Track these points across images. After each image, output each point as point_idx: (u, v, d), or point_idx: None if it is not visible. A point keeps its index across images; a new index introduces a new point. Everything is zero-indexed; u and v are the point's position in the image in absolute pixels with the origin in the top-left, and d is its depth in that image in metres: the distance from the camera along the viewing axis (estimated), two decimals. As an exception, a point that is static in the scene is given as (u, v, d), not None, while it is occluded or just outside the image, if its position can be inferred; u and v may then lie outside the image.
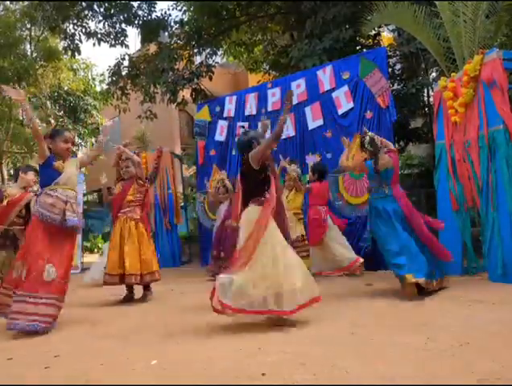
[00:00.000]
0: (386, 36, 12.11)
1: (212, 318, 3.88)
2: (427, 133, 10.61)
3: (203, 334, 3.31)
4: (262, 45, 13.65)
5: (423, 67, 9.85)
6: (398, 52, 10.20)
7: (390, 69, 10.29)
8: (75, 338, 3.47)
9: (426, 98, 11.01)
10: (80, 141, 17.12)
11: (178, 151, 18.88)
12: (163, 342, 3.17)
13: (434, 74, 10.07)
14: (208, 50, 11.59)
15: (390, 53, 10.37)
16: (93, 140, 18.05)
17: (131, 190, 4.99)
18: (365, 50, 10.25)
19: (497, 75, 4.76)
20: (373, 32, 10.45)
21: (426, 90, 10.69)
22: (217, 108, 8.80)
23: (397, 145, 9.95)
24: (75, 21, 11.56)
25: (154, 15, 11.68)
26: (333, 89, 7.14)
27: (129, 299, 5.00)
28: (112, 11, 11.20)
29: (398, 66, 10.95)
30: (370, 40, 10.73)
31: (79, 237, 9.27)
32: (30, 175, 4.93)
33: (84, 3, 11.34)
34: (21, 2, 14.45)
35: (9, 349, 3.18)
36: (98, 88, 16.90)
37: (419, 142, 11.06)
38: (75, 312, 4.60)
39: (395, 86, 10.56)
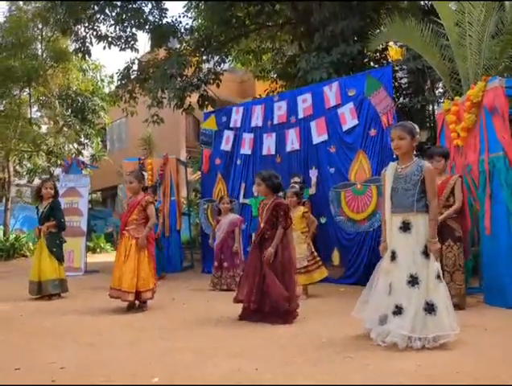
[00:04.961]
0: (395, 48, 12.17)
1: (213, 334, 4.00)
2: (430, 148, 10.66)
3: (204, 351, 3.41)
4: (271, 53, 13.82)
5: (429, 84, 9.94)
6: (404, 67, 10.31)
7: (396, 83, 10.42)
8: (80, 349, 3.56)
9: (431, 112, 11.08)
10: (86, 141, 17.30)
11: (183, 154, 19.05)
12: (163, 356, 3.28)
13: (440, 90, 10.15)
14: (216, 57, 11.70)
15: (397, 67, 10.48)
16: (99, 140, 18.25)
17: (136, 211, 5.12)
18: (372, 63, 10.36)
19: (498, 102, 4.86)
20: (381, 46, 10.55)
21: (431, 105, 10.77)
22: (224, 118, 8.91)
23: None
24: (86, 24, 11.70)
25: (164, 21, 11.81)
26: (339, 105, 7.24)
27: (132, 307, 5.11)
28: (124, 16, 11.32)
29: (405, 80, 11.03)
30: (378, 54, 10.82)
31: (83, 239, 9.40)
32: None
33: (96, 7, 11.48)
34: (33, 3, 14.64)
35: (16, 358, 3.30)
36: (106, 90, 17.06)
37: (423, 157, 11.10)
38: (80, 319, 4.72)
39: (401, 100, 10.65)
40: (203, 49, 11.74)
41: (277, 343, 3.62)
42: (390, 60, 10.91)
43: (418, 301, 3.32)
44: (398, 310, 3.36)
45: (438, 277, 3.38)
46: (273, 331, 4.05)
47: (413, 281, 3.35)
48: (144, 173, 5.55)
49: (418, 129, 3.60)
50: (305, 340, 3.69)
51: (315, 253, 5.89)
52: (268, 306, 4.33)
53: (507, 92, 4.97)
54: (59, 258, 6.11)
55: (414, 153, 3.66)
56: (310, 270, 5.73)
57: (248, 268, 4.60)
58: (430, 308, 3.29)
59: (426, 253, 3.38)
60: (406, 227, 3.44)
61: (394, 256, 3.48)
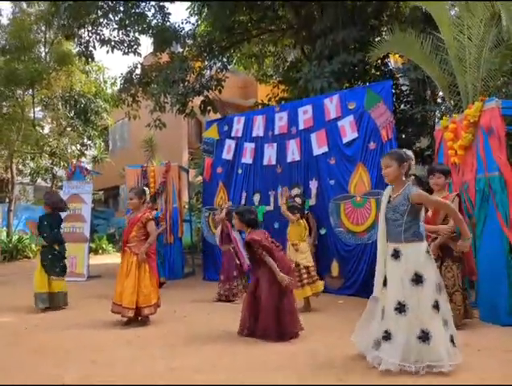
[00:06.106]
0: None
1: (212, 351, 4.09)
2: (430, 155, 10.71)
3: (203, 369, 3.53)
4: (273, 58, 13.90)
5: (430, 93, 10.00)
6: (406, 75, 10.35)
7: (397, 90, 10.49)
8: (83, 366, 3.67)
9: (432, 118, 11.11)
10: (89, 142, 17.42)
11: (185, 156, 19.15)
12: (163, 375, 3.41)
13: (439, 100, 10.20)
14: (218, 64, 11.78)
15: (398, 75, 10.53)
16: (101, 141, 18.36)
17: (136, 227, 5.25)
18: (373, 70, 10.42)
19: (495, 123, 4.95)
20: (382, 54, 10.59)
21: (433, 112, 10.80)
22: (226, 127, 9.00)
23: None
24: (90, 28, 11.78)
25: (167, 25, 11.86)
26: (339, 118, 7.33)
27: (132, 321, 5.21)
28: (127, 22, 11.40)
29: (405, 87, 11.07)
30: (379, 61, 10.86)
31: (86, 245, 9.52)
32: None
33: (99, 11, 11.56)
34: (36, 5, 14.73)
35: (19, 377, 3.41)
36: (109, 91, 17.16)
37: (423, 164, 11.15)
38: (83, 334, 4.82)
39: (402, 106, 10.71)
40: (205, 54, 11.83)
41: (275, 363, 3.72)
42: (391, 67, 10.98)
43: (408, 329, 3.37)
44: (388, 336, 3.45)
45: (435, 307, 3.41)
46: (272, 349, 4.15)
47: (400, 308, 3.42)
48: (146, 189, 5.62)
49: (409, 155, 3.65)
50: (303, 360, 3.78)
51: (303, 271, 5.85)
52: (259, 332, 4.47)
53: (503, 112, 5.06)
54: (50, 272, 6.14)
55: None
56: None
57: (247, 295, 4.79)
58: (425, 336, 3.34)
59: (416, 281, 3.43)
60: (396, 254, 3.54)
61: (385, 282, 3.58)
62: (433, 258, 3.63)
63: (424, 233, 3.64)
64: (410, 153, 3.71)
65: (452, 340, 3.43)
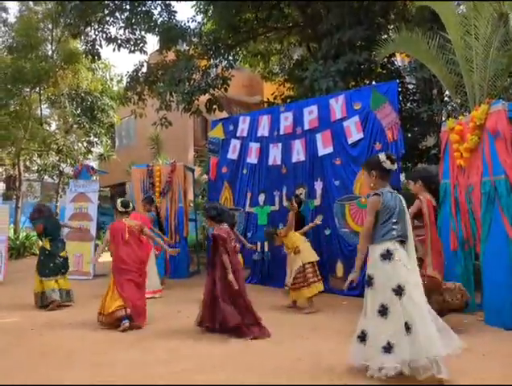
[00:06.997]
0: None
1: (213, 352, 4.11)
2: (436, 154, 10.66)
3: (204, 371, 3.56)
4: (279, 56, 13.88)
5: (436, 92, 9.95)
6: (413, 73, 10.30)
7: (403, 88, 10.44)
8: (85, 369, 3.71)
9: (438, 118, 11.05)
10: (96, 139, 17.49)
11: (191, 153, 19.18)
12: (163, 376, 3.44)
13: (447, 99, 10.14)
14: (224, 62, 11.77)
15: (404, 73, 10.49)
16: (107, 138, 18.42)
17: None
18: (379, 69, 10.37)
19: (501, 126, 4.92)
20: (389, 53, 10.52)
21: (438, 111, 10.73)
22: (231, 127, 9.00)
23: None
24: (96, 26, 11.81)
25: (173, 23, 11.86)
26: (344, 118, 7.31)
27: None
28: (133, 20, 11.42)
29: (412, 85, 11.03)
30: (385, 59, 10.80)
31: (92, 243, 9.56)
32: None
33: (106, 10, 11.59)
34: (43, 4, 14.77)
35: (21, 379, 3.45)
36: (115, 89, 17.18)
37: (428, 163, 11.09)
38: (87, 335, 4.87)
39: (408, 105, 10.66)
40: (211, 52, 11.83)
41: (276, 364, 3.76)
42: (397, 66, 10.92)
43: (358, 328, 3.50)
44: None
45: (379, 311, 3.31)
46: (274, 350, 4.18)
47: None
48: None
49: (375, 161, 3.67)
50: (304, 361, 3.82)
51: (309, 270, 5.93)
52: (218, 323, 4.74)
53: (510, 115, 5.03)
54: (39, 273, 6.48)
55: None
56: (297, 287, 5.93)
57: (206, 293, 5.09)
58: (362, 337, 3.41)
59: (367, 283, 3.47)
60: None
61: None
62: (396, 261, 3.36)
63: (389, 236, 3.42)
64: (380, 156, 3.66)
65: (386, 347, 3.22)
